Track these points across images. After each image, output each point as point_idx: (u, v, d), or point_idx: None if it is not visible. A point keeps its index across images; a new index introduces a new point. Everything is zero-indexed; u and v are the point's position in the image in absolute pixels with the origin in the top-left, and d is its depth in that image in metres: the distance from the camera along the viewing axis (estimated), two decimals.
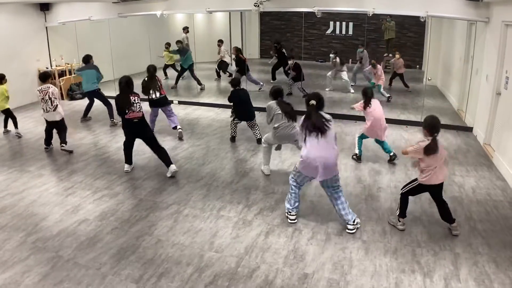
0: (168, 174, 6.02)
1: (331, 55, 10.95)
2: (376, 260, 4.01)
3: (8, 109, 8.16)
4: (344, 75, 10.93)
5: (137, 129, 6.03)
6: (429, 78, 10.02)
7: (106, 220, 4.84)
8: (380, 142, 6.46)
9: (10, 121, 8.29)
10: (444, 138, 7.61)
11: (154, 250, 4.22)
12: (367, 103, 6.17)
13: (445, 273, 3.79)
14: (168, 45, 12.16)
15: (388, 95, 10.18)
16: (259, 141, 7.36)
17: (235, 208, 5.09)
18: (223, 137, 7.81)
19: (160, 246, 4.29)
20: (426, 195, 5.27)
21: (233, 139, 7.60)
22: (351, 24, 14.09)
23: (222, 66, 12.67)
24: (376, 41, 13.26)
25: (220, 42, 12.42)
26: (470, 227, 4.56)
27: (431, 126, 4.18)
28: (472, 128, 7.96)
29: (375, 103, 6.20)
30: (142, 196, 5.46)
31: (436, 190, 4.39)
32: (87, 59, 8.74)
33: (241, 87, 7.46)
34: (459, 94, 9.25)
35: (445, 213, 4.42)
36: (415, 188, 4.47)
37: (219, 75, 12.95)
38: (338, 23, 14.26)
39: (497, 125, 6.59)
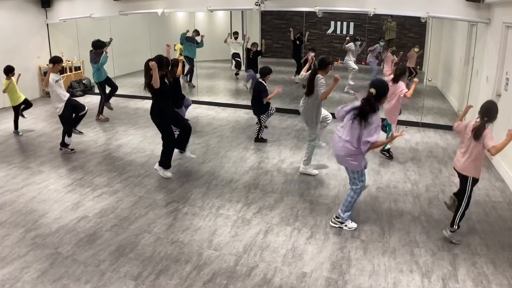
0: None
1: (358, 42, 11.03)
2: (375, 259, 4.01)
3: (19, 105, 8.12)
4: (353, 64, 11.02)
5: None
6: (430, 79, 10.03)
7: (105, 217, 4.85)
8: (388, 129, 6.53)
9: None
10: (444, 139, 7.63)
11: (153, 248, 4.22)
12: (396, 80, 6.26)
13: (443, 273, 3.80)
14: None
15: None
16: (255, 139, 7.44)
17: (234, 206, 5.10)
18: (223, 135, 7.82)
19: (159, 243, 4.30)
20: (426, 195, 5.30)
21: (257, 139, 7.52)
22: (352, 24, 14.11)
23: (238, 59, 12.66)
24: (377, 41, 13.25)
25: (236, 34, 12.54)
26: (469, 228, 4.57)
27: (482, 109, 4.16)
28: None
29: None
30: (142, 193, 5.47)
31: (459, 177, 4.33)
32: (94, 45, 8.74)
33: (260, 79, 7.23)
34: (459, 95, 9.26)
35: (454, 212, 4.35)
36: None
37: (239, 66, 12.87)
38: (339, 23, 14.27)
39: (497, 126, 6.59)
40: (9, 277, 3.75)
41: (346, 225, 4.59)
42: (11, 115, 9.01)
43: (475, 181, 4.22)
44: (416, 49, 10.90)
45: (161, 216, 4.87)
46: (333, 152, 4.57)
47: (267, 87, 7.14)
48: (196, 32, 11.50)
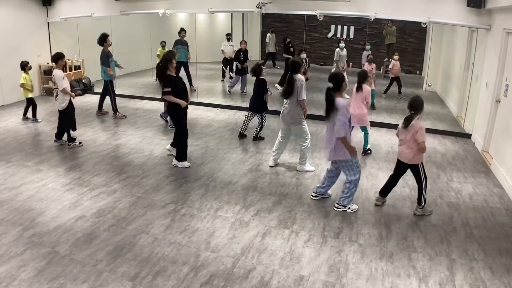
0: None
1: (341, 45, 10.92)
2: (372, 263, 4.01)
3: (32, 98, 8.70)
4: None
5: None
6: (429, 84, 10.05)
7: (103, 217, 4.84)
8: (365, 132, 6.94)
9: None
10: (442, 144, 7.64)
11: (151, 249, 4.21)
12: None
13: (440, 278, 3.80)
14: (164, 43, 12.00)
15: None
16: (254, 138, 7.63)
17: (233, 208, 5.09)
18: (222, 137, 7.82)
19: (157, 244, 4.29)
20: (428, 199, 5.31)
21: (240, 135, 7.74)
22: (352, 28, 14.14)
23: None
24: (377, 45, 13.30)
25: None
26: (467, 233, 4.58)
27: (408, 104, 4.82)
28: (470, 134, 7.98)
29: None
30: (140, 194, 5.46)
31: (409, 168, 4.93)
32: (99, 41, 8.84)
33: (262, 76, 7.40)
34: (459, 101, 9.28)
35: (417, 193, 4.97)
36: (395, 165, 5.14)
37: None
38: (339, 26, 14.30)
39: (496, 132, 6.61)
40: (5, 275, 3.74)
41: (349, 208, 5.02)
42: (9, 113, 9.06)
43: (423, 165, 4.85)
44: (396, 57, 10.57)
45: (159, 217, 4.87)
46: (326, 156, 5.12)
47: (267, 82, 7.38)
48: (184, 31, 11.33)
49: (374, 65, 9.71)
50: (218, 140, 7.65)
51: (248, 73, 11.14)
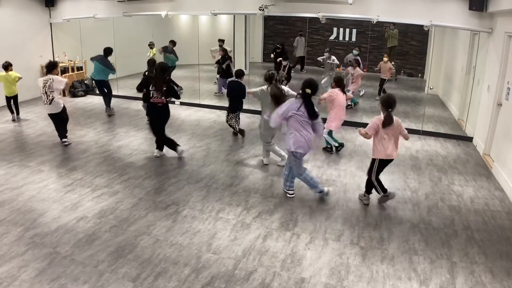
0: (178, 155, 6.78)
1: (326, 54, 11.00)
2: (373, 266, 4.01)
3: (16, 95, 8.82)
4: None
5: (157, 113, 6.60)
6: (431, 87, 10.05)
7: (104, 218, 4.84)
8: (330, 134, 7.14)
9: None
10: (444, 147, 7.64)
11: (152, 250, 4.22)
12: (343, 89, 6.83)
13: (441, 281, 3.80)
14: (152, 43, 11.98)
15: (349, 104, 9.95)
16: (238, 132, 7.94)
17: (234, 210, 5.10)
18: (224, 139, 7.83)
19: (158, 246, 4.30)
20: (425, 203, 5.30)
21: (240, 131, 7.96)
22: (354, 30, 14.15)
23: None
24: (379, 48, 13.31)
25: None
26: (468, 237, 4.57)
27: (385, 103, 4.89)
28: (472, 138, 7.98)
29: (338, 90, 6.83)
30: (142, 195, 5.47)
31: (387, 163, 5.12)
32: (106, 52, 9.20)
33: (237, 79, 7.57)
34: (460, 104, 9.28)
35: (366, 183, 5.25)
36: (378, 167, 5.10)
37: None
38: (341, 29, 14.31)
39: (497, 135, 6.61)
40: (6, 276, 3.75)
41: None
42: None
43: None
44: (385, 59, 10.63)
45: (160, 218, 4.87)
46: (308, 149, 5.11)
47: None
48: (172, 43, 11.55)
49: (350, 68, 9.98)
50: (220, 142, 7.66)
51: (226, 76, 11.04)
